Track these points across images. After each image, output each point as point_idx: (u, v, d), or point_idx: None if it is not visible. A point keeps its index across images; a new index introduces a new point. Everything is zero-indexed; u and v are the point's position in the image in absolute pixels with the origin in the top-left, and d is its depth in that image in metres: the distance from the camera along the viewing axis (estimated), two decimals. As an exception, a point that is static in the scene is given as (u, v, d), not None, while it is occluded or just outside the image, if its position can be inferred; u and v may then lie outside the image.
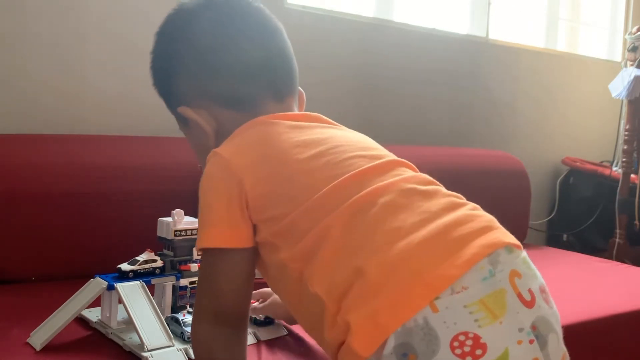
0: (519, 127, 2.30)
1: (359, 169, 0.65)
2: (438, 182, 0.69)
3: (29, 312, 0.98)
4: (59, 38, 1.41)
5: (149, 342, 0.84)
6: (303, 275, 0.62)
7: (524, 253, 0.61)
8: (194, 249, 1.06)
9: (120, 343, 0.88)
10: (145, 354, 0.84)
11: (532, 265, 0.62)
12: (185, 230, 1.07)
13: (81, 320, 0.97)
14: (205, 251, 0.69)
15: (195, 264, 1.05)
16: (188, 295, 1.09)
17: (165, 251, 1.06)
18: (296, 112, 0.79)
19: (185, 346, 0.87)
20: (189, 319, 0.93)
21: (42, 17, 1.39)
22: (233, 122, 0.74)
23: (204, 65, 0.74)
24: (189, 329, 0.90)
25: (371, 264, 0.58)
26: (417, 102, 2.01)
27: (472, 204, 0.65)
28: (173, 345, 0.86)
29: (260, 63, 0.75)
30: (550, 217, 2.32)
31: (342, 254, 0.60)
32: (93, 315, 0.97)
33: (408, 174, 0.67)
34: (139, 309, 0.87)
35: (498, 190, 1.87)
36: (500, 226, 0.63)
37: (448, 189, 0.68)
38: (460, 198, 0.66)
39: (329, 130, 0.73)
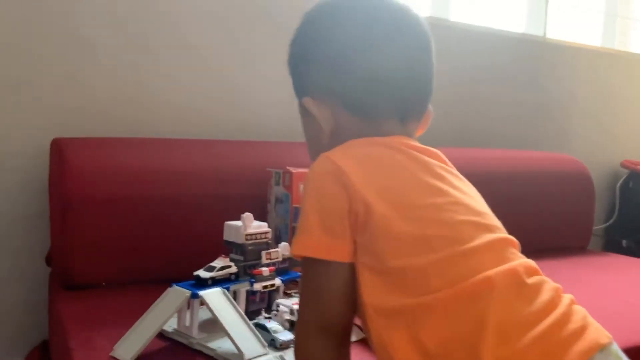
0: (576, 129, 2.22)
1: (472, 245, 0.62)
2: (539, 269, 0.66)
3: (108, 320, 0.97)
4: (122, 42, 1.41)
5: (246, 351, 0.81)
6: (382, 332, 0.61)
7: (614, 346, 0.61)
8: (263, 253, 1.04)
9: (212, 353, 0.85)
10: (245, 364, 0.81)
11: (624, 358, 0.62)
12: (255, 234, 1.05)
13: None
14: (307, 260, 0.65)
15: (267, 268, 1.02)
16: (258, 300, 1.07)
17: (233, 255, 1.04)
18: (415, 138, 0.75)
19: (279, 353, 0.84)
20: (274, 325, 0.91)
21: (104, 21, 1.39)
22: (352, 127, 0.72)
23: (338, 64, 0.72)
24: (279, 336, 0.88)
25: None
26: (473, 103, 1.96)
27: (568, 297, 0.64)
28: (268, 353, 0.84)
29: (395, 79, 0.72)
30: (610, 223, 2.24)
31: (443, 335, 0.58)
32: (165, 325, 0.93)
33: (517, 260, 0.64)
34: (228, 317, 0.84)
35: (560, 195, 1.81)
36: (592, 321, 0.62)
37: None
38: (559, 290, 0.64)
39: (446, 176, 0.70)
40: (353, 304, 0.64)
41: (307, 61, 0.75)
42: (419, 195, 0.65)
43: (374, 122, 0.72)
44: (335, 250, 0.63)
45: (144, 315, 0.87)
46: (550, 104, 2.14)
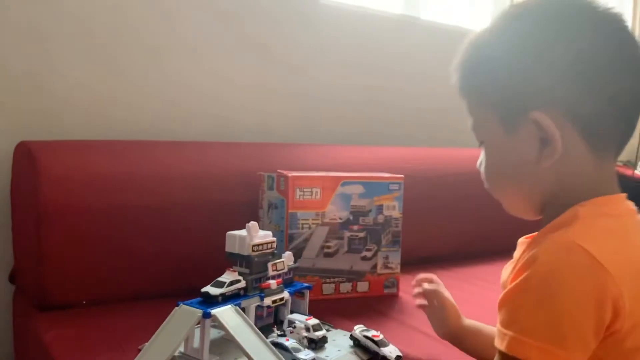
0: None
1: None
2: None
3: (101, 345, 0.88)
4: (94, 38, 1.29)
5: (269, 375, 0.73)
6: None
7: None
8: (269, 264, 0.97)
9: (228, 378, 0.77)
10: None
11: None
12: (262, 244, 0.97)
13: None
14: None
15: (274, 281, 0.95)
16: (265, 315, 0.99)
17: (237, 268, 0.96)
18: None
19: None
20: (293, 344, 0.84)
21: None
22: (577, 161, 0.60)
23: (581, 79, 0.58)
24: (301, 356, 0.82)
25: None
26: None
27: None
28: (292, 375, 0.77)
29: (634, 106, 0.61)
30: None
31: None
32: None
33: None
34: (245, 337, 0.76)
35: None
36: None
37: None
38: None
39: None
40: None
41: (536, 70, 0.60)
42: None
43: (599, 158, 0.61)
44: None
45: (152, 339, 0.77)
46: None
